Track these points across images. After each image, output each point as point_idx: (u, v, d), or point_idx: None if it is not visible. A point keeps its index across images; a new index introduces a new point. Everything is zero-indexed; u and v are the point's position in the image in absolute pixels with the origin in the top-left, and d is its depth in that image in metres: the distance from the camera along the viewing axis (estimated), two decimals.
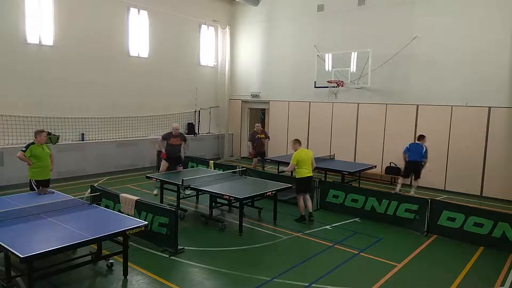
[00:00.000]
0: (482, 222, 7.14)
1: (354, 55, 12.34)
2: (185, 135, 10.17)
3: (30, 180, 7.19)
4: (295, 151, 8.01)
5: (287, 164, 8.42)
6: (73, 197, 6.51)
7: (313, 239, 7.21)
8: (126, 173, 12.56)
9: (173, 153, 9.53)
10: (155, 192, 9.67)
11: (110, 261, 5.72)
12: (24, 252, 4.20)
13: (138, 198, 7.08)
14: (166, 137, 9.52)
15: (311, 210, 8.08)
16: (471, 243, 7.13)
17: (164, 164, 9.53)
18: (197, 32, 15.43)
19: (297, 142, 8.12)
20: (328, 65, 12.88)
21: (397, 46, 11.83)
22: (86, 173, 11.75)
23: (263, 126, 14.00)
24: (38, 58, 10.94)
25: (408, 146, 10.22)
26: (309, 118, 14.22)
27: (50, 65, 11.16)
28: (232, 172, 9.43)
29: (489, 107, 10.62)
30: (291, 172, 8.86)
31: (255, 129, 12.52)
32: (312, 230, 7.65)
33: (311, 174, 8.09)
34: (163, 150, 9.53)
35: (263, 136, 12.50)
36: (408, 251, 6.78)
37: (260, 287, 5.33)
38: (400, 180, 10.33)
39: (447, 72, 11.19)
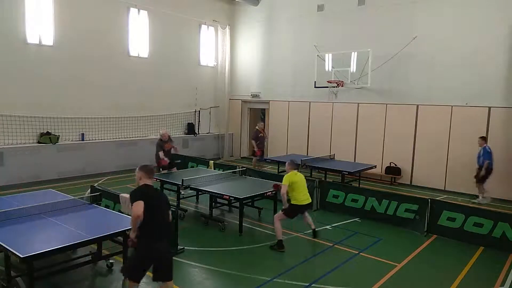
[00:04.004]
0: (482, 222, 7.14)
1: (354, 55, 12.33)
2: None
3: None
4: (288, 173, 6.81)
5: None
6: (73, 197, 6.51)
7: (313, 239, 7.20)
8: (126, 173, 12.54)
9: (169, 158, 9.94)
10: None
11: (110, 261, 5.72)
12: (24, 252, 4.21)
13: None
14: (161, 146, 9.75)
15: (314, 227, 7.22)
16: (471, 243, 7.13)
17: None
18: (197, 32, 15.42)
19: (289, 164, 6.92)
20: (328, 65, 12.86)
21: (397, 46, 11.81)
22: (86, 173, 11.75)
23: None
24: (38, 58, 10.93)
25: None
26: (309, 118, 14.21)
27: (50, 65, 11.16)
28: (232, 172, 9.44)
29: (489, 107, 10.62)
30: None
31: (257, 128, 12.71)
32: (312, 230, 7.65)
33: (310, 201, 6.93)
34: (165, 158, 9.77)
35: (265, 135, 12.79)
36: (408, 251, 6.78)
37: (260, 287, 5.33)
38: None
39: (447, 72, 11.18)
